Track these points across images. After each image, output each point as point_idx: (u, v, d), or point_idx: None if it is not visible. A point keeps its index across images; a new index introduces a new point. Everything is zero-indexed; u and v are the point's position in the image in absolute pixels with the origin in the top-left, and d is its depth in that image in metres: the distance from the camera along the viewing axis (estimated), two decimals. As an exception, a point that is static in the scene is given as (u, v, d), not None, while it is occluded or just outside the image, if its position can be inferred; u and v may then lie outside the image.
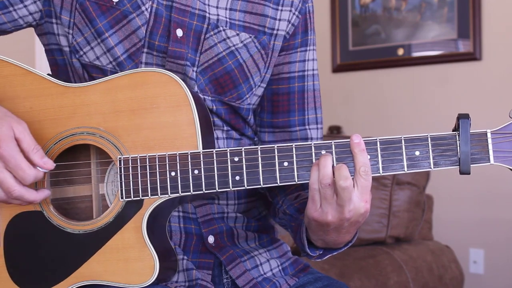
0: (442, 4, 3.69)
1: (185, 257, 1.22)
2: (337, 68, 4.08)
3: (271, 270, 1.30)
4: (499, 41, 3.53)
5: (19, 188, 1.05)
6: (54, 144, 1.14)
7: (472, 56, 3.59)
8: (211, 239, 1.25)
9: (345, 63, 4.05)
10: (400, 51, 3.84)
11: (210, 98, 1.24)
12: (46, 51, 1.29)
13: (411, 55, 3.83)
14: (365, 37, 3.98)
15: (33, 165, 1.06)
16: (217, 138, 1.26)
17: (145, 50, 1.20)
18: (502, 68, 3.51)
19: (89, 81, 1.17)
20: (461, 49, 3.63)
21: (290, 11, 1.31)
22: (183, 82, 1.11)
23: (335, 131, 3.96)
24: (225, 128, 1.28)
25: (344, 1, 4.04)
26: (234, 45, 1.25)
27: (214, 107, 1.25)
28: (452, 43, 3.67)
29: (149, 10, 1.19)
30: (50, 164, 1.07)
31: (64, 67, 1.26)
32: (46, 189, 1.11)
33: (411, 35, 3.81)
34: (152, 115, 1.11)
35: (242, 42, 1.25)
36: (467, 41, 3.60)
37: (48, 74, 1.18)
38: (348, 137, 1.08)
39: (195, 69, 1.23)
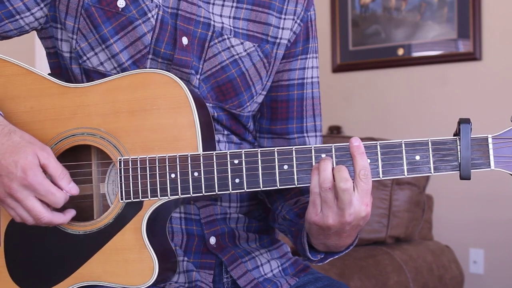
0: (442, 4, 3.68)
1: (186, 259, 1.22)
2: (337, 68, 4.08)
3: (272, 270, 1.30)
4: (499, 41, 3.53)
5: (48, 214, 1.08)
6: (55, 145, 1.14)
7: (472, 56, 3.58)
8: (212, 240, 1.25)
9: (345, 63, 4.05)
10: (400, 51, 3.84)
11: (211, 105, 1.24)
12: (48, 54, 1.28)
13: (411, 55, 3.82)
14: (365, 37, 3.97)
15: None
16: (219, 141, 1.26)
17: (150, 56, 1.19)
18: (502, 68, 3.50)
19: None
20: (461, 49, 3.63)
21: (293, 19, 1.30)
22: (183, 84, 1.11)
23: (335, 131, 3.95)
24: (226, 132, 1.27)
25: (344, 1, 4.04)
26: (238, 54, 1.24)
27: (215, 114, 1.24)
28: (452, 43, 3.66)
29: (155, 17, 1.19)
30: (75, 190, 1.10)
31: (66, 71, 1.26)
32: (72, 209, 1.13)
33: (411, 35, 3.81)
34: (152, 116, 1.11)
35: (245, 51, 1.25)
36: (467, 41, 3.60)
37: (49, 74, 1.18)
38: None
39: (198, 76, 1.22)
